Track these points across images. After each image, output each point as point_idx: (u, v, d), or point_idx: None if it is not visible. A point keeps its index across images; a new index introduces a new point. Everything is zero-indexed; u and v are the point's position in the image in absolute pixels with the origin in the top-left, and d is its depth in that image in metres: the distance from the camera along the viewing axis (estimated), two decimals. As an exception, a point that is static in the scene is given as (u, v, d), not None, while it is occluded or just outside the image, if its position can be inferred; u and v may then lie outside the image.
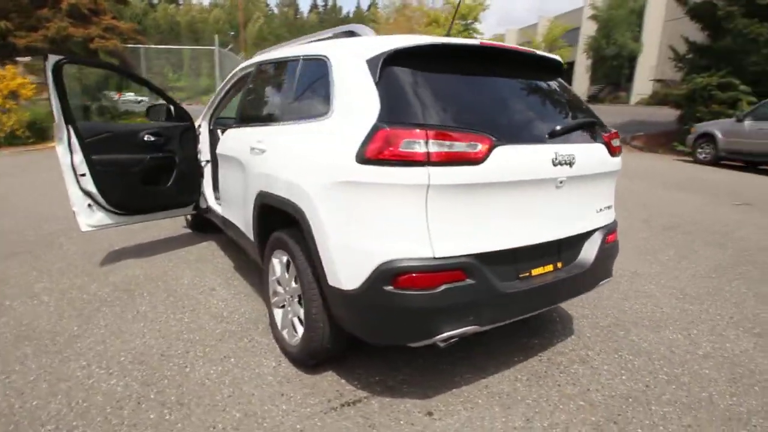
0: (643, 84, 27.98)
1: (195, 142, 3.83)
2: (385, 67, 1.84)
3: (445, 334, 1.79)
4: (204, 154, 3.94)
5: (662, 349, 2.61)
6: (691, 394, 2.21)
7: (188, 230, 4.65)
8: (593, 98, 31.03)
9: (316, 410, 2.01)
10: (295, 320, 2.27)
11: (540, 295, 2.01)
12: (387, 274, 1.71)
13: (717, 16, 12.37)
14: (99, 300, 3.03)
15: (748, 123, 9.97)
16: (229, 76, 3.62)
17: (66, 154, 3.21)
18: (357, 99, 1.88)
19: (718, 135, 10.56)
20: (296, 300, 2.27)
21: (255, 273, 3.52)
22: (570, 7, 35.64)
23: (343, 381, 2.23)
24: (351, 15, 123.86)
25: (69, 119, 3.14)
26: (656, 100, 24.55)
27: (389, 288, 1.71)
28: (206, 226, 4.45)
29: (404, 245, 1.71)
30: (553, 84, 2.31)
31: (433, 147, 1.65)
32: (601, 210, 2.27)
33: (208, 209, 3.95)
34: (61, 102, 3.08)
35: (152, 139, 3.56)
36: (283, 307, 2.45)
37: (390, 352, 2.42)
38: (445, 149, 1.66)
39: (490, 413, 2.03)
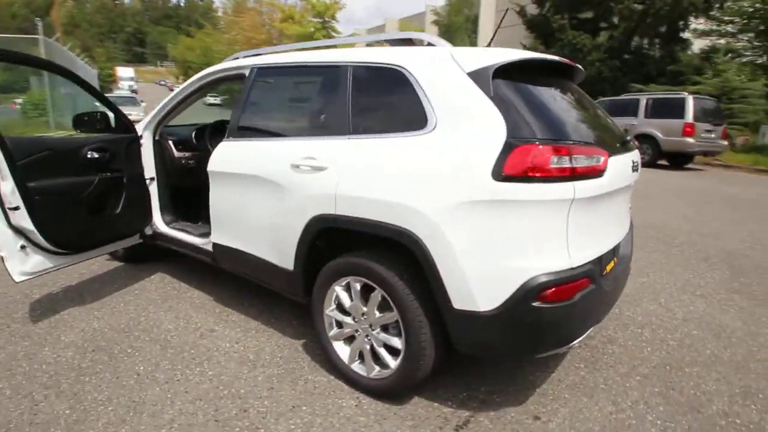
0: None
1: (140, 156, 3.19)
2: (494, 80, 1.82)
3: (577, 340, 1.86)
4: (149, 170, 3.30)
5: (653, 319, 3.08)
6: (700, 353, 2.67)
7: (116, 263, 3.84)
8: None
9: (438, 441, 1.91)
10: (382, 351, 2.10)
11: (616, 289, 2.21)
12: (534, 290, 1.70)
13: (551, 28, 14.70)
14: (70, 368, 2.35)
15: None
16: (192, 80, 3.09)
17: None
18: (470, 113, 1.81)
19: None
20: (378, 330, 2.09)
21: (247, 303, 3.10)
22: (407, 11, 38.04)
23: (435, 404, 2.15)
24: (182, 4, 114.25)
25: None
26: (495, 98, 28.11)
27: (536, 303, 1.71)
28: (142, 255, 3.75)
29: (548, 259, 1.73)
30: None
31: (575, 162, 1.70)
32: (630, 208, 2.58)
33: (156, 236, 3.34)
34: None
35: (96, 155, 2.86)
36: (351, 339, 2.24)
37: (447, 366, 2.38)
38: (584, 163, 1.72)
39: (582, 404, 2.17)
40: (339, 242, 2.24)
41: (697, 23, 14.67)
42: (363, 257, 2.06)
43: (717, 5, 13.40)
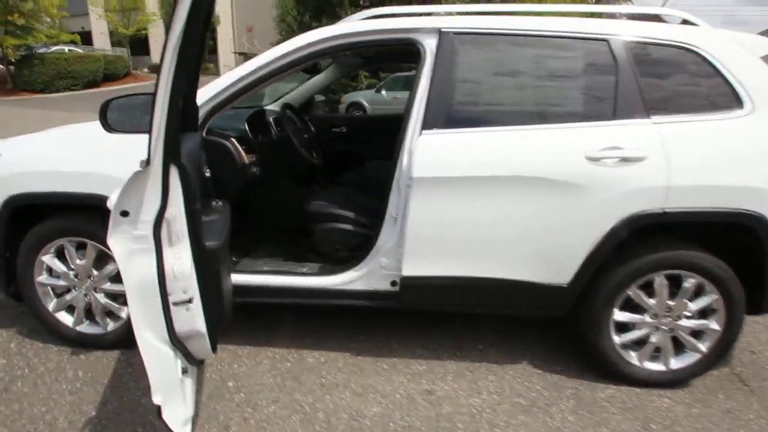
0: (226, 56, 29.58)
1: None
2: None
3: None
4: None
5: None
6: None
7: (90, 354, 2.27)
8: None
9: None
10: (690, 339, 2.07)
11: None
12: None
13: (330, 3, 14.89)
14: None
15: (385, 93, 13.03)
16: (282, 51, 2.01)
17: (145, 253, 1.10)
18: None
19: (365, 103, 13.24)
20: (682, 320, 2.06)
21: (395, 344, 2.40)
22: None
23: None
24: None
25: (174, 150, 1.07)
26: (247, 71, 26.84)
27: None
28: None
29: None
30: None
31: None
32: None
33: None
34: (171, 97, 1.02)
35: (207, 173, 1.63)
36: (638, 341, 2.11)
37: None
38: None
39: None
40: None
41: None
42: (688, 252, 1.97)
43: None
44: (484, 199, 1.93)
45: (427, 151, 1.92)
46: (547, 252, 1.98)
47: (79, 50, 21.75)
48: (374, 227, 2.15)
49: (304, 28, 16.71)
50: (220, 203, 1.67)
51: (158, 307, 1.16)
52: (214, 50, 30.01)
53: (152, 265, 1.13)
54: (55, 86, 18.61)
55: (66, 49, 20.67)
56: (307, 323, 2.53)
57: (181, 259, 1.15)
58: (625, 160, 1.87)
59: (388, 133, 3.55)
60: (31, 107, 14.88)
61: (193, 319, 1.24)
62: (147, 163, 1.07)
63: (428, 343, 2.42)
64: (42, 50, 19.29)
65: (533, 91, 2.03)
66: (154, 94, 1.08)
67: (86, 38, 28.62)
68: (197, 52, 1.67)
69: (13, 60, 18.90)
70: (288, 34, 18.88)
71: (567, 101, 2.01)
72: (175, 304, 1.19)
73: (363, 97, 13.35)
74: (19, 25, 17.64)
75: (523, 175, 1.90)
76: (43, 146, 2.25)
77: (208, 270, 1.24)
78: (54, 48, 20.13)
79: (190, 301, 1.20)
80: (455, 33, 1.98)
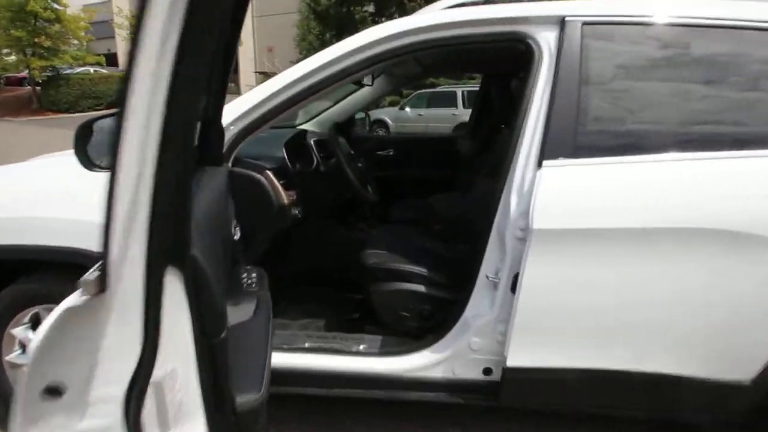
0: (247, 75, 29.72)
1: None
2: None
3: None
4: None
5: None
6: None
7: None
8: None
9: None
10: None
11: None
12: None
13: (352, 20, 14.58)
14: None
15: (409, 110, 12.54)
16: (335, 54, 1.49)
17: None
18: None
19: (389, 121, 12.76)
20: None
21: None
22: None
23: None
24: None
25: (178, 237, 0.51)
26: (267, 90, 26.82)
27: None
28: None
29: None
30: None
31: None
32: None
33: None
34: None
35: (237, 233, 1.09)
36: None
37: None
38: None
39: None
40: None
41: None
42: None
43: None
44: (637, 261, 1.32)
45: (554, 192, 1.32)
46: (724, 336, 1.36)
47: (104, 71, 21.96)
48: (457, 290, 1.57)
49: (326, 46, 16.55)
50: (254, 275, 1.09)
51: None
52: (236, 69, 30.25)
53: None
54: (80, 106, 18.68)
55: (91, 69, 20.89)
56: (347, 403, 1.93)
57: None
58: None
59: (445, 157, 3.02)
60: (52, 126, 14.82)
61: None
62: (101, 285, 0.47)
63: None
64: (68, 71, 19.49)
65: (704, 107, 1.41)
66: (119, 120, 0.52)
67: (112, 60, 29.11)
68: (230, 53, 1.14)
69: (39, 81, 19.10)
70: (309, 52, 18.83)
71: (755, 121, 1.39)
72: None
73: (386, 114, 12.85)
74: (46, 47, 17.85)
75: (696, 228, 1.29)
76: (15, 183, 1.72)
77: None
78: (79, 69, 20.35)
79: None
80: (586, 23, 1.40)
